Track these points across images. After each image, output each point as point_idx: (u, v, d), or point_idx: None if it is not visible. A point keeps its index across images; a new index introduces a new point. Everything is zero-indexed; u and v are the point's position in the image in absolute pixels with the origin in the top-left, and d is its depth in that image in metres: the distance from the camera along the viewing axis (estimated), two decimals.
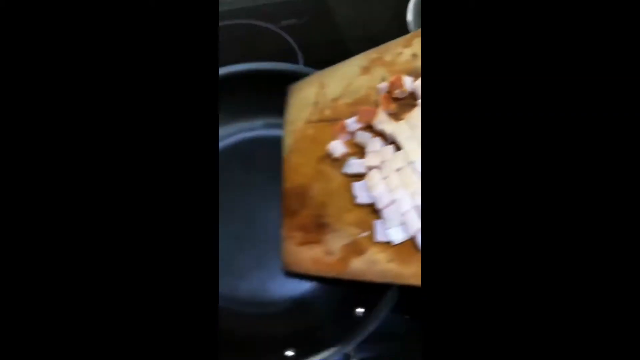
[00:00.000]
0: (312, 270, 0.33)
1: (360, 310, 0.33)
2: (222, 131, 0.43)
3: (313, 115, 0.36)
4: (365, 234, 0.30)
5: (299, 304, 0.37)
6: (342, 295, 0.35)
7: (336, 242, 0.32)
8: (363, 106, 0.32)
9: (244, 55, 0.46)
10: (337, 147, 0.32)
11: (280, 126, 0.41)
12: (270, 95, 0.41)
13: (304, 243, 0.34)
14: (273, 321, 0.36)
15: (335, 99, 0.35)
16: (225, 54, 0.43)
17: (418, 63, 0.30)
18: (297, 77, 0.39)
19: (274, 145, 0.41)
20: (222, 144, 0.43)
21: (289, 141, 0.37)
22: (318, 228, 0.33)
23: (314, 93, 0.36)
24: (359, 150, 0.32)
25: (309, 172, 0.35)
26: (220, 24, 0.51)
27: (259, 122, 0.44)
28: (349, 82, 0.34)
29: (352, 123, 0.32)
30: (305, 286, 0.37)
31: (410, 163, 0.28)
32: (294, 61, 0.49)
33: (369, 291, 0.32)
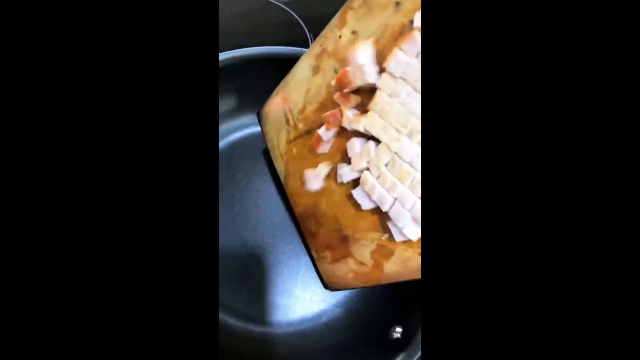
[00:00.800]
0: (354, 284, 0.33)
1: (398, 329, 0.28)
2: (225, 126, 0.41)
3: (290, 134, 0.34)
4: (386, 235, 0.29)
5: (322, 321, 0.33)
6: (375, 309, 0.31)
7: (364, 252, 0.31)
8: (328, 108, 0.29)
9: (248, 32, 0.45)
10: (322, 169, 0.30)
11: None
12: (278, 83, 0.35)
13: (336, 260, 0.33)
14: (293, 342, 0.32)
15: (301, 110, 0.32)
16: (227, 31, 0.44)
17: (361, 40, 0.27)
18: None
19: None
20: (226, 140, 0.41)
21: (280, 167, 0.36)
22: (342, 242, 0.32)
23: (282, 111, 0.34)
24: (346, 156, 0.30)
25: (310, 191, 0.33)
26: None
27: None
28: (307, 87, 0.31)
29: (324, 132, 0.29)
30: (329, 300, 0.33)
31: (396, 154, 0.25)
32: (302, 37, 0.46)
33: (408, 303, 0.28)
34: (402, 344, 0.28)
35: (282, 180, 0.36)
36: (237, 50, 0.37)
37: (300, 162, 0.34)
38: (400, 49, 0.23)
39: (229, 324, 0.35)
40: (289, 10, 0.48)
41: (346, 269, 0.33)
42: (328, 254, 0.34)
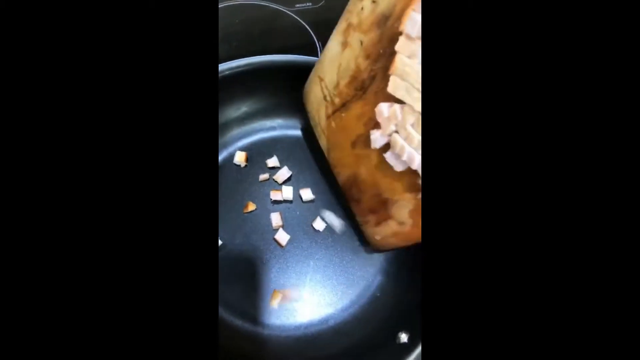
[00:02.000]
0: (397, 243, 0.34)
1: (404, 335, 0.28)
2: (236, 133, 0.43)
3: (328, 109, 0.37)
4: (420, 194, 0.30)
5: (329, 325, 0.33)
6: (382, 314, 0.30)
7: (403, 212, 0.32)
8: (359, 80, 0.31)
9: (259, 38, 0.49)
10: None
11: (297, 126, 0.41)
12: (288, 90, 0.38)
13: (379, 223, 0.35)
14: (300, 345, 0.32)
15: (336, 86, 0.35)
16: (240, 37, 0.47)
17: (381, 8, 0.28)
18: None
19: (293, 146, 0.40)
20: (235, 145, 0.43)
21: (322, 142, 0.39)
22: (382, 205, 0.34)
23: (319, 89, 0.37)
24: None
25: (350, 161, 0.36)
26: (232, 3, 0.53)
27: (278, 120, 0.43)
28: (338, 63, 0.34)
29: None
30: (336, 304, 0.33)
31: (419, 113, 0.26)
32: (309, 42, 0.49)
33: (415, 307, 0.26)
34: (408, 349, 0.27)
35: (326, 154, 0.39)
36: (245, 59, 0.40)
37: (340, 135, 0.36)
38: (414, 10, 0.24)
39: (237, 326, 0.35)
40: (297, 17, 0.51)
41: (388, 230, 0.34)
42: (371, 218, 0.36)
